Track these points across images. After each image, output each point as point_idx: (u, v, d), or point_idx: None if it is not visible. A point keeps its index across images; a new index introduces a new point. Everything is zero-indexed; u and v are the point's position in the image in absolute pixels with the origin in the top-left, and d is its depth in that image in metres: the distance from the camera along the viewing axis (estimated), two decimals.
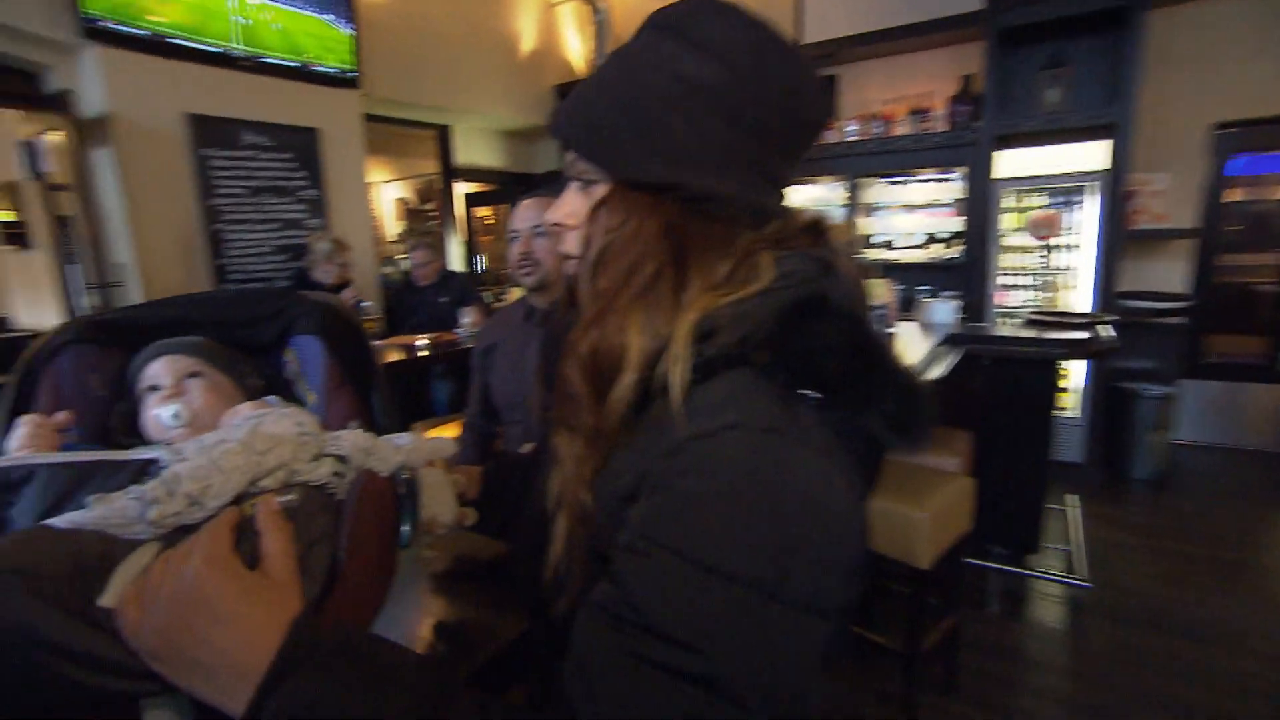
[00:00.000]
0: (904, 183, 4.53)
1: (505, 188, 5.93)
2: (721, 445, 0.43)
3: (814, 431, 0.46)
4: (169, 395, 0.83)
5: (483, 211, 6.22)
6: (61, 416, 0.72)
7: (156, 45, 3.09)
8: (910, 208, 4.56)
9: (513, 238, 1.53)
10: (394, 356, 3.03)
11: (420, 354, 3.15)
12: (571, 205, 0.55)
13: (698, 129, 0.49)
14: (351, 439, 0.70)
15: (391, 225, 7.31)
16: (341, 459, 0.66)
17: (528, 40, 5.16)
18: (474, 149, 5.58)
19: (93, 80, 2.96)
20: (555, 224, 0.56)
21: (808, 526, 0.42)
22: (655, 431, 0.47)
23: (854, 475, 0.47)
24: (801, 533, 0.42)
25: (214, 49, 3.29)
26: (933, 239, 4.48)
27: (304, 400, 0.95)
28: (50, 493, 0.61)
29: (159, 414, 0.82)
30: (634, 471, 0.47)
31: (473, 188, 6.01)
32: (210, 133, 3.35)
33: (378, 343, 3.30)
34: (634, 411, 0.50)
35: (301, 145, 3.75)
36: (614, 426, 0.50)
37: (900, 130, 4.31)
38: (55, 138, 3.02)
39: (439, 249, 4.98)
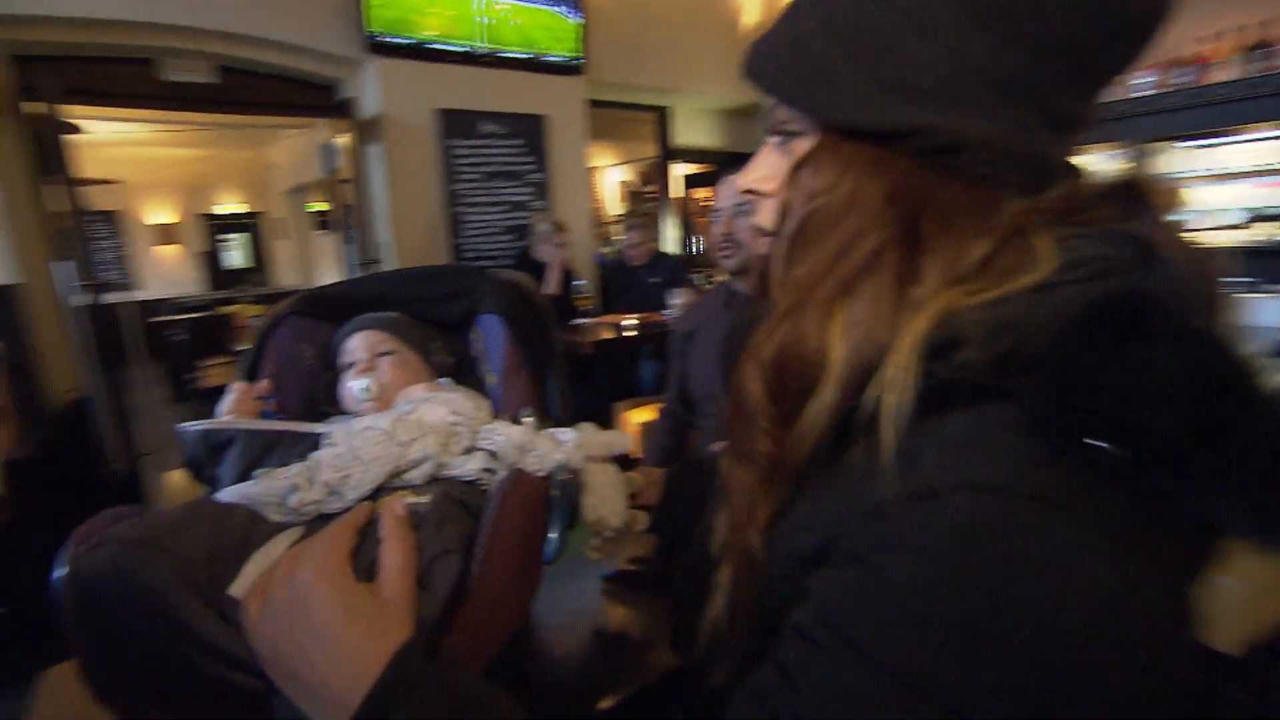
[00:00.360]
0: (1219, 145, 3.56)
1: (723, 168, 5.83)
2: (952, 514, 0.28)
3: (1108, 507, 0.28)
4: (362, 369, 0.86)
5: (701, 193, 6.20)
6: (263, 385, 0.78)
7: (419, 51, 3.50)
8: (1226, 177, 3.58)
9: (715, 217, 1.42)
10: (603, 335, 3.13)
11: (627, 333, 3.21)
12: (767, 166, 0.42)
13: (944, 47, 0.33)
14: (508, 433, 0.65)
15: (615, 207, 7.65)
16: (493, 454, 0.62)
17: (749, 14, 4.97)
18: (692, 129, 5.56)
19: (371, 87, 3.44)
20: (747, 191, 0.43)
21: (1088, 660, 0.26)
22: (856, 478, 0.33)
23: (1171, 578, 0.29)
24: (1076, 669, 0.26)
25: (461, 49, 3.64)
26: (1259, 217, 3.48)
27: (484, 381, 0.95)
28: (244, 458, 0.65)
29: (351, 387, 0.85)
30: (822, 528, 0.34)
31: (692, 169, 6.00)
32: (454, 124, 3.73)
33: (588, 320, 3.44)
34: (830, 445, 0.36)
35: (530, 131, 4.01)
36: (800, 461, 0.37)
37: (1221, 75, 3.38)
38: (343, 139, 3.57)
39: (652, 230, 5.05)
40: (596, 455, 0.69)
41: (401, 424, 0.60)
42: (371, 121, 3.47)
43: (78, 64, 2.84)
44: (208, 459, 0.68)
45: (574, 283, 3.64)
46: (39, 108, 2.59)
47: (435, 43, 3.52)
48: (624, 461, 0.75)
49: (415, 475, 0.57)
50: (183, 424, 0.69)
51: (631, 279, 3.91)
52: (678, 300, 3.31)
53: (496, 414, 0.86)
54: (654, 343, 3.38)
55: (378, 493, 0.55)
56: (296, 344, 0.91)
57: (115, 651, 0.47)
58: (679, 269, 3.97)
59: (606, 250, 6.44)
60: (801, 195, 0.38)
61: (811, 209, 0.37)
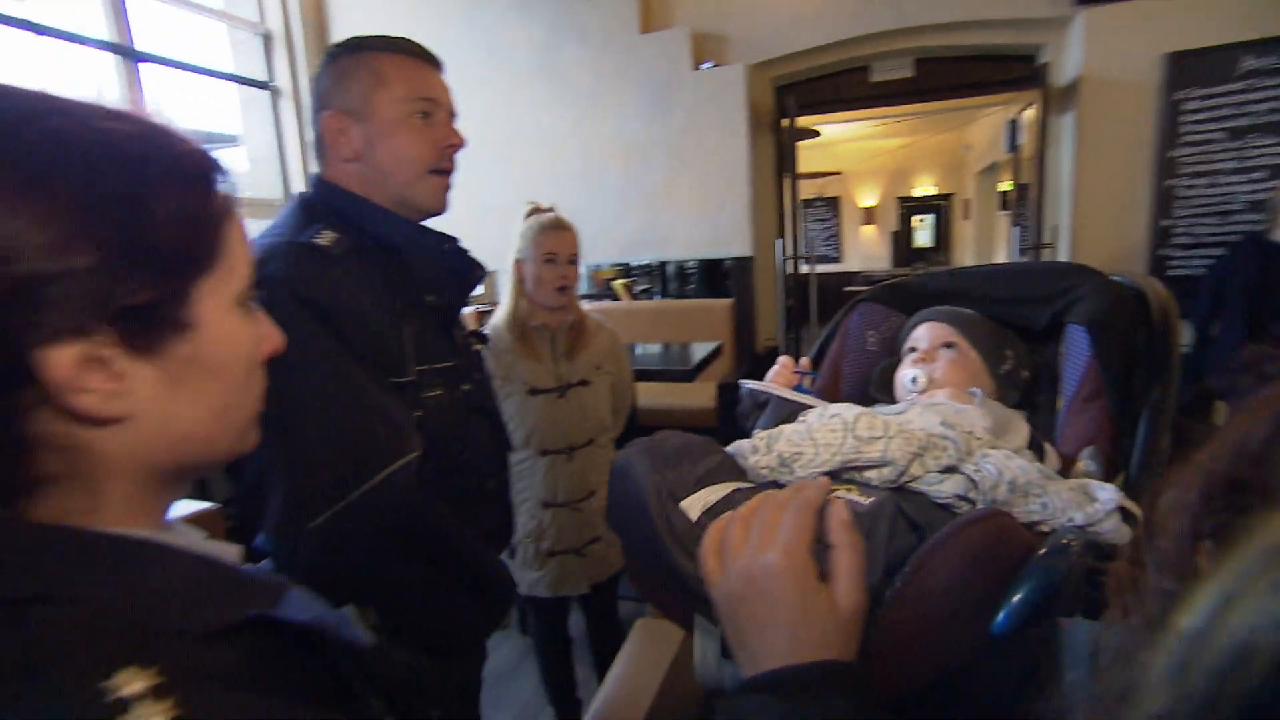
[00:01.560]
0: None
1: None
2: None
3: None
4: (918, 359, 0.87)
5: None
6: (803, 361, 0.88)
7: None
8: None
9: None
10: None
11: None
12: None
13: None
14: (1007, 465, 0.55)
15: None
16: (974, 482, 0.54)
17: None
18: None
19: (1073, 47, 3.07)
20: None
21: None
22: None
23: None
24: None
25: None
26: None
27: (1051, 405, 0.80)
28: (771, 419, 0.78)
29: (903, 375, 0.87)
30: None
31: None
32: (1193, 69, 2.93)
33: None
34: None
35: None
36: None
37: None
38: (1029, 113, 3.34)
39: None
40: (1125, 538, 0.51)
41: (865, 420, 0.59)
42: (1066, 88, 3.12)
43: (813, 83, 3.58)
44: (750, 413, 0.84)
45: None
46: (784, 122, 3.45)
47: None
48: None
49: (873, 475, 0.56)
50: (745, 381, 0.86)
51: None
52: None
53: (1056, 448, 0.73)
54: None
55: (830, 477, 0.57)
56: (864, 329, 0.98)
57: (632, 547, 0.64)
58: None
59: None
60: None
61: None
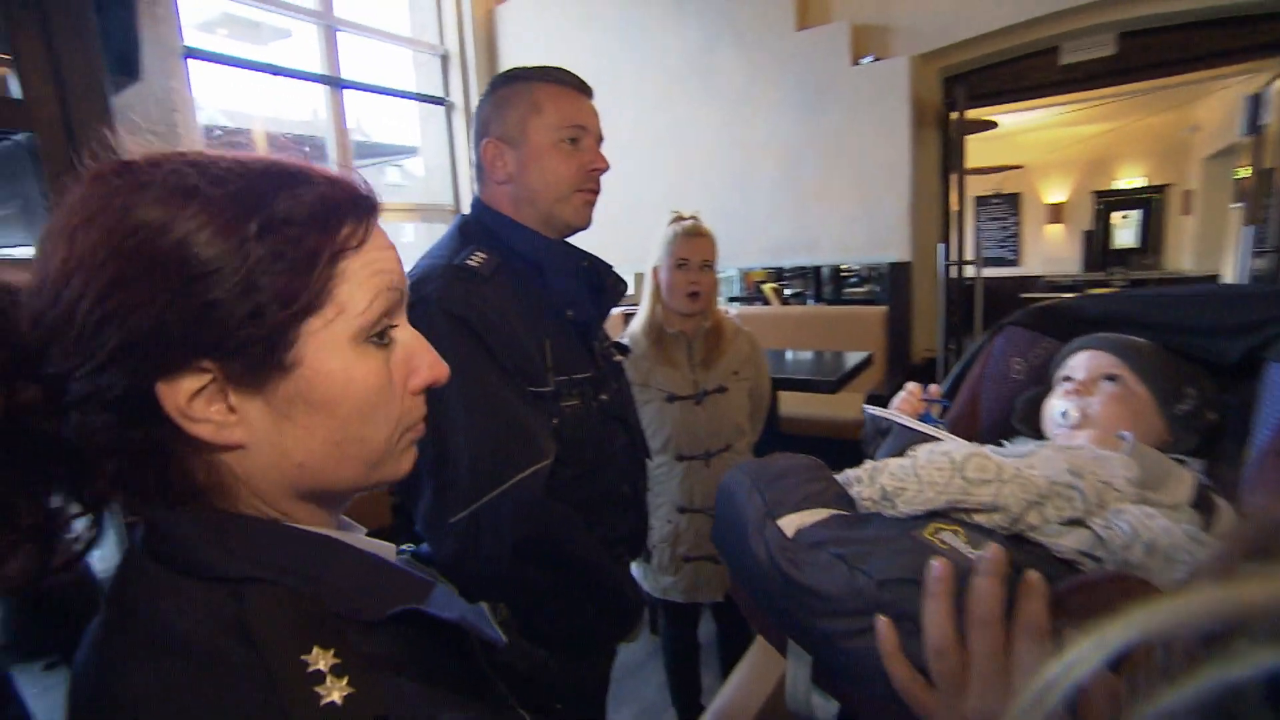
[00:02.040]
0: None
1: None
2: None
3: None
4: (1073, 391, 0.79)
5: None
6: (932, 388, 0.83)
7: None
8: None
9: None
10: None
11: None
12: None
13: None
14: (1147, 525, 0.50)
15: None
16: (1101, 539, 0.49)
17: None
18: None
19: None
20: None
21: None
22: None
23: None
24: None
25: None
26: None
27: (1237, 456, 0.70)
28: (891, 447, 0.74)
29: (1053, 407, 0.80)
30: None
31: None
32: None
33: None
34: None
35: None
36: None
37: None
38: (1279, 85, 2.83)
39: None
40: None
41: (977, 460, 0.55)
42: None
43: (988, 71, 3.29)
44: (872, 438, 0.81)
45: None
46: (952, 116, 3.21)
47: None
48: None
49: (983, 519, 0.53)
50: (868, 405, 0.83)
51: None
52: None
53: (1238, 508, 0.64)
54: None
55: (934, 515, 0.55)
56: (1008, 355, 0.90)
57: (732, 564, 0.65)
58: None
59: None
60: None
61: None
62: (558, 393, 1.00)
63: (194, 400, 0.39)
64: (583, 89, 1.06)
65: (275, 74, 3.05)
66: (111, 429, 0.39)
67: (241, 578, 0.39)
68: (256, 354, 0.40)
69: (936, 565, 0.47)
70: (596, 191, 1.07)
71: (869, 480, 0.61)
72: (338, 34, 3.28)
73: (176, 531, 0.40)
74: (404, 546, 0.90)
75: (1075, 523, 0.52)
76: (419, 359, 0.49)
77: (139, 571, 0.41)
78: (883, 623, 0.49)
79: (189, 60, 2.68)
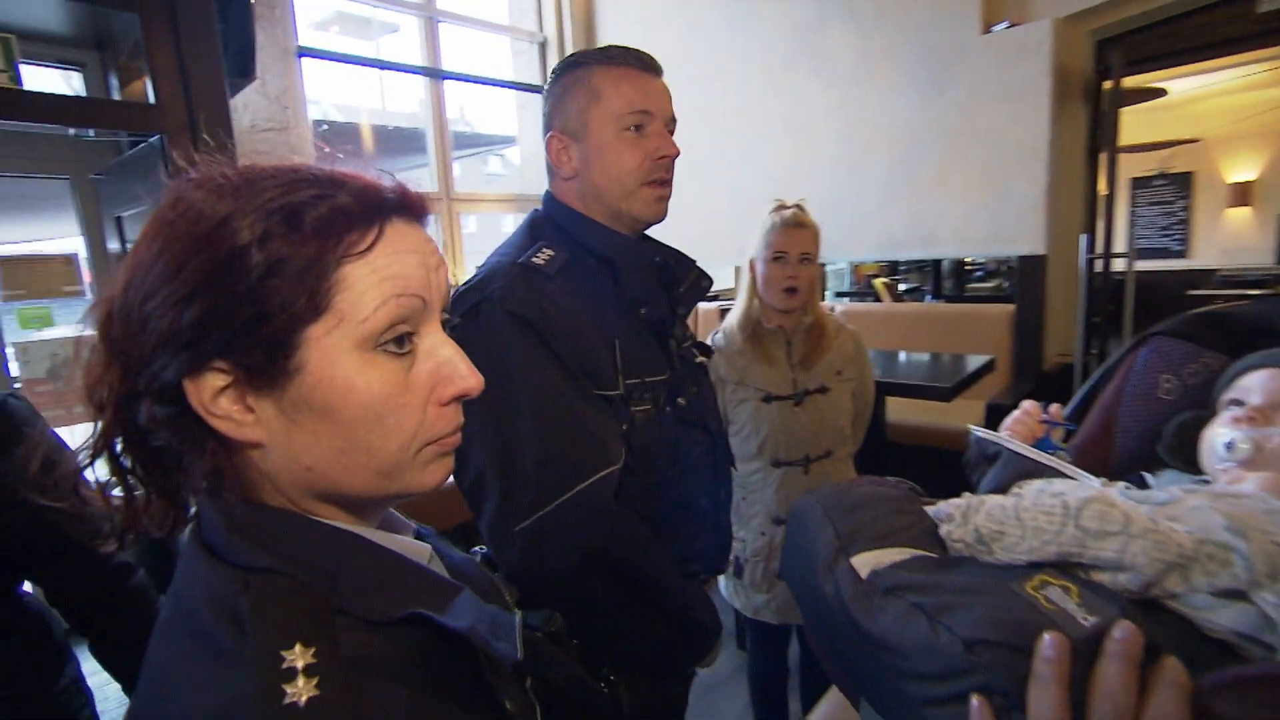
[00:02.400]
0: None
1: None
2: None
3: None
4: (1244, 417, 0.62)
5: None
6: (1053, 409, 0.69)
7: None
8: None
9: None
10: None
11: None
12: None
13: None
14: None
15: None
16: (1268, 619, 0.35)
17: None
18: None
19: None
20: None
21: None
22: None
23: None
24: None
25: None
26: None
27: None
28: (999, 477, 0.63)
29: (1215, 437, 0.63)
30: None
31: None
32: None
33: None
34: None
35: None
36: None
37: None
38: None
39: None
40: None
41: (1097, 507, 0.42)
42: None
43: (1155, 30, 2.85)
44: (977, 464, 0.68)
45: None
46: (1105, 85, 2.81)
47: None
48: None
49: (1105, 578, 0.40)
50: (974, 426, 0.71)
51: None
52: None
53: None
54: None
55: (1041, 564, 0.44)
56: (1155, 370, 0.72)
57: (800, 600, 0.58)
58: None
59: None
60: None
61: None
62: (627, 396, 0.96)
63: (218, 398, 0.42)
64: (647, 66, 0.99)
65: (381, 68, 3.20)
66: (166, 421, 0.43)
67: (254, 566, 0.42)
68: (261, 358, 0.42)
69: (1050, 642, 0.39)
70: (667, 181, 1.01)
71: (962, 519, 0.52)
72: (439, 25, 3.38)
73: (209, 518, 0.44)
74: (476, 549, 0.88)
75: (1234, 593, 0.38)
76: (450, 368, 0.48)
77: (188, 553, 0.45)
78: (976, 704, 0.41)
79: (302, 59, 2.84)
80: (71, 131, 2.43)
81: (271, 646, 0.38)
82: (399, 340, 0.45)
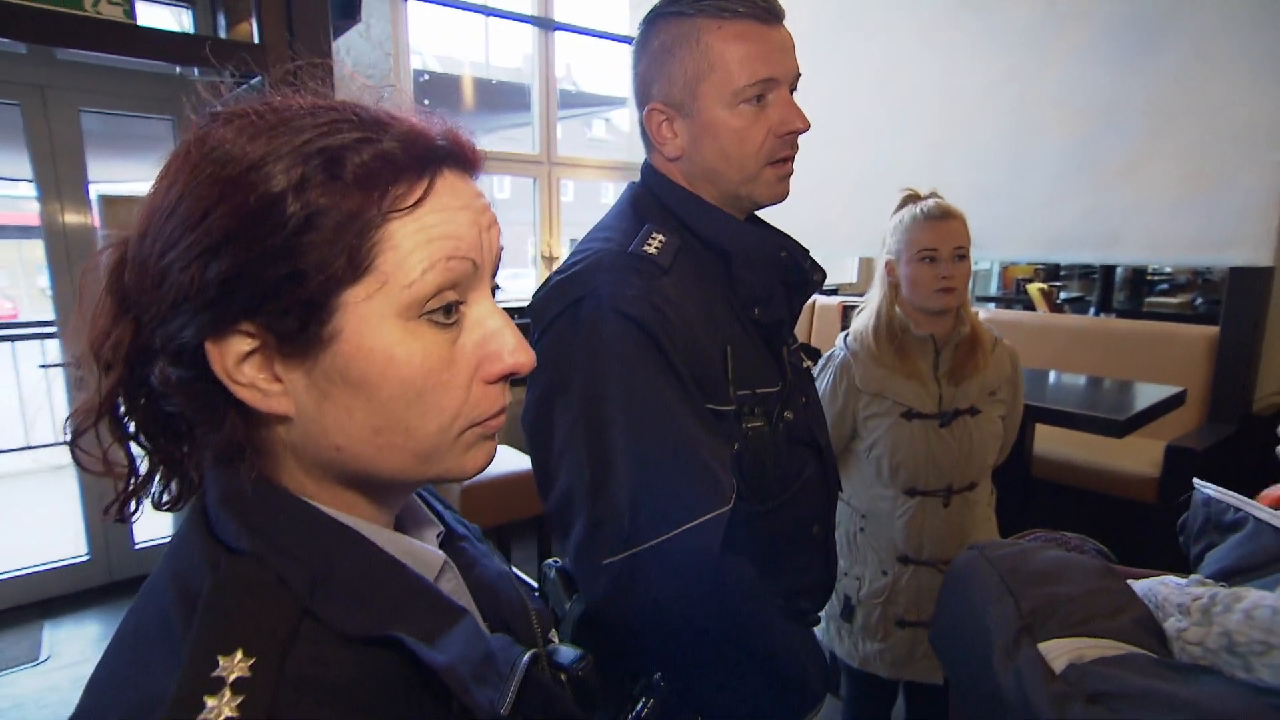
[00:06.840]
0: None
1: None
2: None
3: None
4: None
5: None
6: None
7: None
8: None
9: None
10: None
11: None
12: None
13: None
14: None
15: None
16: None
17: None
18: None
19: None
20: None
21: None
22: None
23: None
24: None
25: None
26: None
27: None
28: (1236, 557, 0.55)
29: None
30: None
31: None
32: None
33: None
34: None
35: None
36: None
37: None
38: None
39: None
40: None
41: None
42: None
43: None
44: (1202, 532, 0.58)
45: None
46: None
47: None
48: None
49: None
50: (1200, 481, 0.60)
51: None
52: None
53: None
54: None
55: None
56: None
57: (960, 682, 0.50)
58: None
59: None
60: None
61: None
62: (739, 411, 0.90)
63: (242, 364, 0.41)
64: (769, 13, 0.88)
65: (488, 14, 3.26)
66: (182, 385, 0.42)
67: (234, 547, 0.41)
68: (292, 322, 0.40)
69: None
70: (791, 158, 0.94)
71: (1203, 617, 0.47)
72: None
73: (208, 488, 0.44)
74: (550, 560, 0.84)
75: None
76: (498, 342, 0.46)
77: (188, 516, 0.45)
78: None
79: (407, 3, 2.91)
80: (178, 70, 2.60)
81: (209, 648, 0.37)
82: (446, 309, 0.43)
